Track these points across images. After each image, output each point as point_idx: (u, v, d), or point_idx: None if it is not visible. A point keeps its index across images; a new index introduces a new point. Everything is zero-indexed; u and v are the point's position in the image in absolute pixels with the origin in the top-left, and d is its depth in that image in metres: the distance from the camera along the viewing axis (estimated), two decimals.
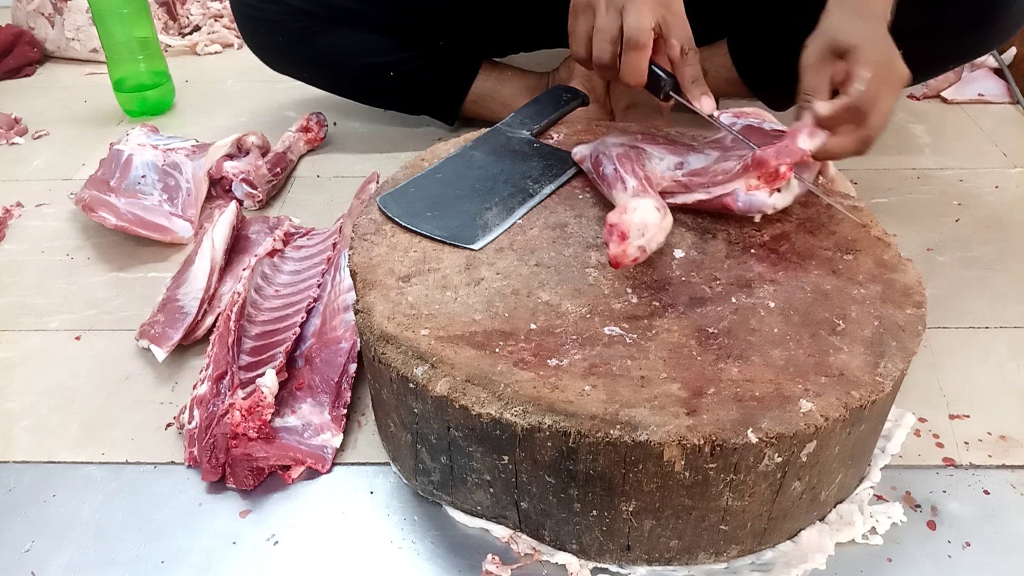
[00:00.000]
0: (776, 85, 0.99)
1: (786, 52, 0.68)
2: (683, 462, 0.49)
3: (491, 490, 0.56)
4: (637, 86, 0.66)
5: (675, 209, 0.65)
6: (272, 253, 0.84)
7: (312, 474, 0.64)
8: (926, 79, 1.08)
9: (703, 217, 0.67)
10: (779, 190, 0.63)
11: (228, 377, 0.68)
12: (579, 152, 0.73)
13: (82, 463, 0.66)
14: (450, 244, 0.65)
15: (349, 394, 0.69)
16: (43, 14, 1.40)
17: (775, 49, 0.95)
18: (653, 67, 0.66)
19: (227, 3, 1.50)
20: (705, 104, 0.66)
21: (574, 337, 0.56)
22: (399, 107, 1.11)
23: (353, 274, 0.63)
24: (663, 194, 0.66)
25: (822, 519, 0.59)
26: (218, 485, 0.64)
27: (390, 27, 1.02)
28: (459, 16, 1.02)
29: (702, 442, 0.48)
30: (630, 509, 0.52)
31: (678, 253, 0.63)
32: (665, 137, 0.70)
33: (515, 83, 1.08)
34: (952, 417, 0.67)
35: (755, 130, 0.69)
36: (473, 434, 0.53)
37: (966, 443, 0.65)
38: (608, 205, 0.69)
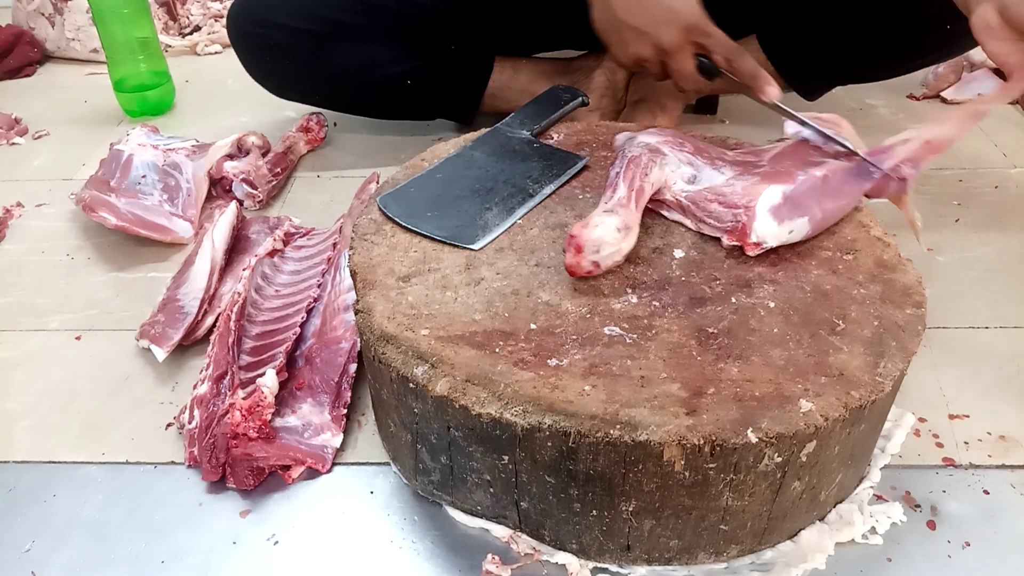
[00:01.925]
0: (810, 73, 0.99)
1: (819, 40, 0.70)
2: (683, 462, 0.49)
3: (491, 490, 0.56)
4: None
5: (661, 218, 0.67)
6: (272, 253, 0.84)
7: (312, 474, 0.64)
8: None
9: (680, 224, 0.67)
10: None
11: (228, 377, 0.68)
12: (618, 140, 0.73)
13: (82, 463, 0.66)
14: (450, 244, 0.65)
15: (349, 394, 0.69)
16: (43, 14, 1.40)
17: (808, 37, 0.95)
18: (701, 59, 0.74)
19: (227, 3, 1.50)
20: (770, 93, 0.69)
21: (574, 337, 0.56)
22: (414, 115, 1.10)
23: (353, 274, 0.63)
24: (660, 203, 0.66)
25: (822, 519, 0.59)
26: (218, 485, 0.64)
27: (400, 37, 1.00)
28: (468, 22, 1.01)
29: (702, 442, 0.48)
30: (630, 509, 0.52)
31: (678, 253, 0.63)
32: (694, 144, 0.69)
33: (531, 69, 1.07)
34: (952, 417, 0.67)
35: (803, 147, 0.69)
36: (473, 434, 0.53)
37: (966, 443, 0.65)
38: None
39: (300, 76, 1.03)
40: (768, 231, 0.62)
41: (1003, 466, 0.63)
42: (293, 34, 0.98)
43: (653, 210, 0.67)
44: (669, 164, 0.67)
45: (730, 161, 0.69)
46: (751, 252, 0.62)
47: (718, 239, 0.65)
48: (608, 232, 0.59)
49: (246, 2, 1.00)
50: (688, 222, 0.66)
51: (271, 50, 1.00)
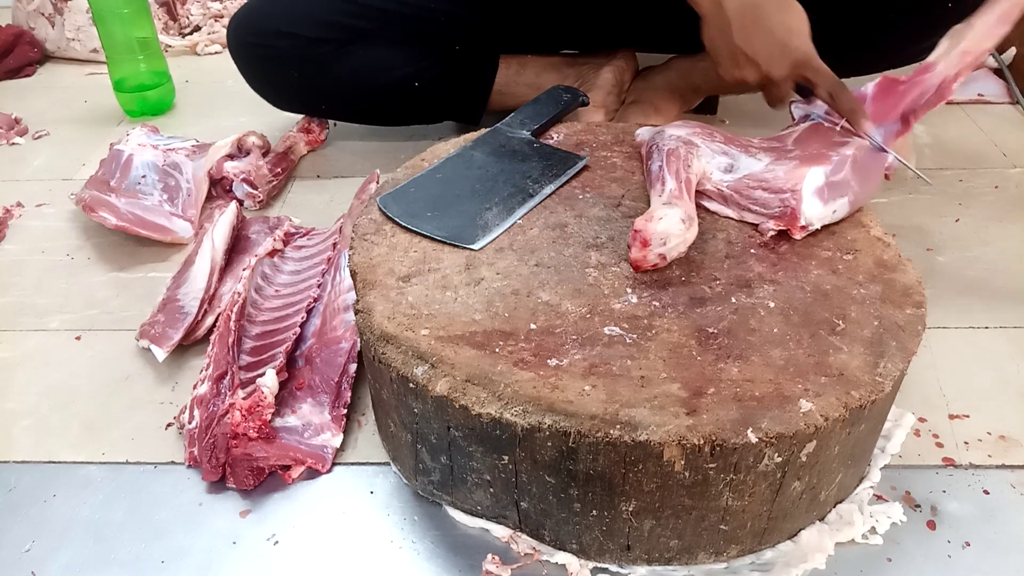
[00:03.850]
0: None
1: (828, 34, 0.72)
2: (683, 462, 0.49)
3: (491, 490, 0.56)
4: None
5: (702, 209, 0.68)
6: (272, 253, 0.84)
7: (312, 474, 0.64)
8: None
9: (703, 217, 0.67)
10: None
11: (228, 377, 0.68)
12: (640, 135, 0.74)
13: (82, 463, 0.66)
14: (450, 244, 0.65)
15: (349, 394, 0.69)
16: (43, 14, 1.40)
17: (817, 33, 0.95)
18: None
19: (227, 3, 1.50)
20: (866, 127, 0.70)
21: (574, 337, 0.56)
22: (422, 119, 1.09)
23: (353, 274, 0.63)
24: (701, 194, 0.67)
25: (822, 519, 0.59)
26: (218, 485, 0.64)
27: (405, 40, 1.00)
28: (472, 22, 1.01)
29: (702, 442, 0.48)
30: (630, 509, 0.52)
31: None
32: (723, 133, 0.71)
33: (537, 63, 1.06)
34: (952, 417, 0.67)
35: (820, 129, 0.70)
36: (473, 434, 0.53)
37: (966, 443, 0.65)
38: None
39: (306, 86, 1.02)
40: (815, 213, 0.63)
41: (1003, 466, 0.63)
42: (298, 43, 0.97)
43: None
44: (704, 155, 0.67)
45: (761, 148, 0.69)
46: (798, 236, 0.64)
47: (717, 240, 0.65)
48: (673, 224, 0.61)
49: (247, 14, 1.00)
50: (731, 212, 0.67)
51: (276, 61, 0.99)
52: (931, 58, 0.66)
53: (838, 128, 0.69)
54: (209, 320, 0.78)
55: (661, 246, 0.60)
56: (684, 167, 0.65)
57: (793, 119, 0.76)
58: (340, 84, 1.01)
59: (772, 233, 0.64)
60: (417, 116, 1.08)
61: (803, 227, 0.63)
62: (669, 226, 0.60)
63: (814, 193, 0.63)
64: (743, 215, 0.66)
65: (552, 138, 0.79)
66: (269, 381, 0.66)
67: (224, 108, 1.24)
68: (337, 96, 1.04)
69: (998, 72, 1.22)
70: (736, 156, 0.68)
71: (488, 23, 1.02)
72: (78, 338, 0.79)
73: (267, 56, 0.99)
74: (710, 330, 0.56)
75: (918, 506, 0.61)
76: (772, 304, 0.58)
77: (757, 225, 0.65)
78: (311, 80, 1.01)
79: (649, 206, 0.65)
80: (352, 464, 0.66)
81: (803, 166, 0.65)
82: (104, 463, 0.66)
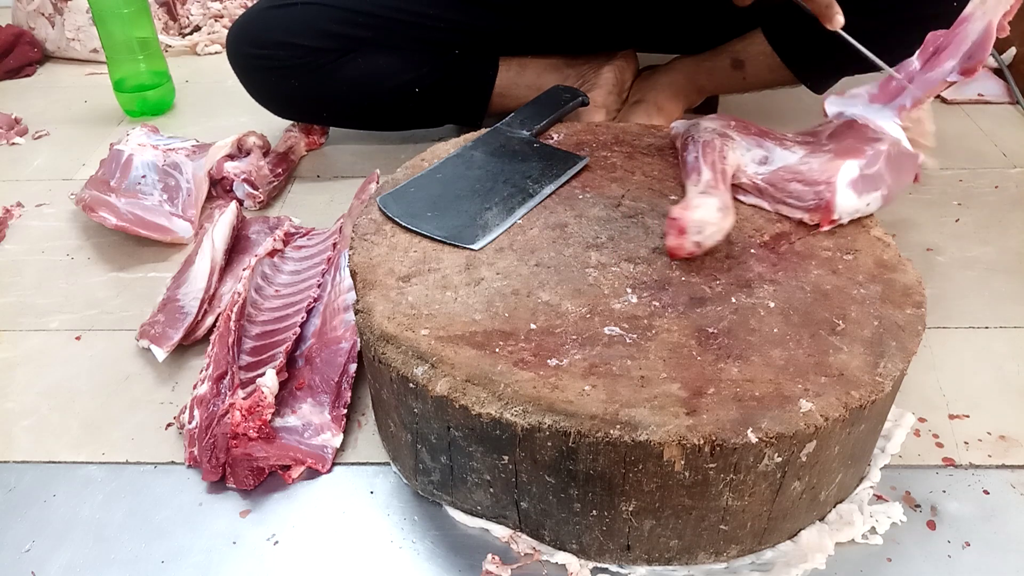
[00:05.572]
0: (817, 64, 0.98)
1: (824, 30, 0.72)
2: (683, 462, 0.49)
3: (491, 490, 0.56)
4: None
5: (735, 203, 0.68)
6: (272, 253, 0.84)
7: (312, 474, 0.64)
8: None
9: None
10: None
11: (228, 377, 0.68)
12: (675, 128, 0.75)
13: (82, 463, 0.66)
14: (450, 244, 0.65)
15: (349, 394, 0.69)
16: (43, 14, 1.40)
17: (813, 28, 0.95)
18: None
19: (227, 3, 1.50)
20: (837, 22, 0.71)
21: (574, 337, 0.56)
22: (423, 123, 1.09)
23: (353, 274, 0.63)
24: (736, 187, 0.67)
25: (822, 519, 0.59)
26: (218, 485, 0.64)
27: (404, 46, 1.00)
28: (471, 28, 1.01)
29: (702, 442, 0.48)
30: (630, 509, 0.52)
31: None
32: (758, 127, 0.71)
33: (537, 64, 1.06)
34: (952, 417, 0.67)
35: (852, 127, 0.69)
36: (473, 434, 0.53)
37: (966, 443, 0.65)
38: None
39: (306, 95, 1.02)
40: (849, 205, 0.64)
41: (1003, 466, 0.63)
42: (297, 53, 0.97)
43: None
44: (739, 147, 0.68)
45: (795, 141, 0.69)
46: (826, 228, 0.64)
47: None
48: (710, 212, 0.61)
49: (246, 25, 1.00)
50: (765, 204, 0.67)
51: (276, 71, 0.99)
52: (968, 10, 0.65)
53: (871, 126, 0.69)
54: (209, 320, 0.78)
55: (697, 234, 0.61)
56: (720, 158, 0.66)
57: (826, 116, 0.76)
58: (341, 92, 1.01)
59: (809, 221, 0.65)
60: (418, 121, 1.09)
61: (834, 220, 0.64)
62: (706, 214, 0.61)
63: (848, 185, 0.63)
64: (777, 208, 0.66)
65: (552, 138, 0.80)
66: (269, 381, 0.66)
67: (224, 108, 1.24)
68: (338, 104, 1.04)
69: (998, 72, 1.22)
70: (771, 149, 0.68)
71: (487, 27, 1.02)
72: (78, 338, 0.79)
73: (267, 67, 1.00)
74: (710, 330, 0.56)
75: (918, 506, 0.61)
76: (772, 304, 0.58)
77: (769, 219, 0.66)
78: (311, 89, 1.01)
79: (649, 204, 0.65)
80: (352, 464, 0.66)
81: (838, 159, 0.65)
82: (104, 463, 0.66)
